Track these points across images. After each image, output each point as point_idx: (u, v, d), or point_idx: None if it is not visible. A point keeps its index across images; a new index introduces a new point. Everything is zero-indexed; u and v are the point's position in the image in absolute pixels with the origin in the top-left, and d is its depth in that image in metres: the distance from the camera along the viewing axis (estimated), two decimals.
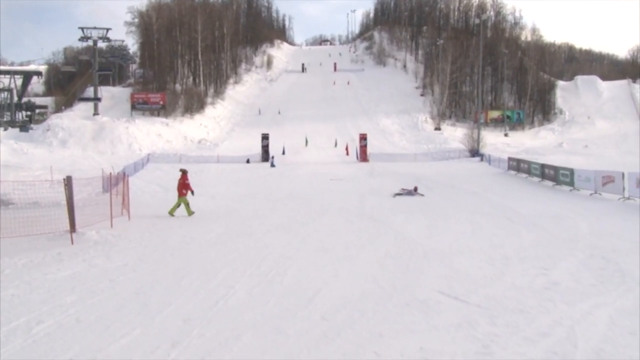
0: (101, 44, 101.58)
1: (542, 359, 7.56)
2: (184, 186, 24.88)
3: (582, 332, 8.46)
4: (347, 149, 72.71)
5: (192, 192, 25.49)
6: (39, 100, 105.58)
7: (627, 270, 12.50)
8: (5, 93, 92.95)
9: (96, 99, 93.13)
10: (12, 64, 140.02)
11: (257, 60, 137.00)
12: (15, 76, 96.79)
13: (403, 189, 32.08)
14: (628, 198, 26.89)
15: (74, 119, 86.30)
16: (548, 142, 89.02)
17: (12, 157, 63.33)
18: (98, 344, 8.38)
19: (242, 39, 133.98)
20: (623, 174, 28.10)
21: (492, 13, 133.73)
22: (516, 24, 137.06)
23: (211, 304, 10.43)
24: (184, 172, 25.36)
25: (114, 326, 9.21)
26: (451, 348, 7.97)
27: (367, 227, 20.02)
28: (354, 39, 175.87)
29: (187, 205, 24.62)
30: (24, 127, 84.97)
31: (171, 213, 24.44)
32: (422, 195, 30.88)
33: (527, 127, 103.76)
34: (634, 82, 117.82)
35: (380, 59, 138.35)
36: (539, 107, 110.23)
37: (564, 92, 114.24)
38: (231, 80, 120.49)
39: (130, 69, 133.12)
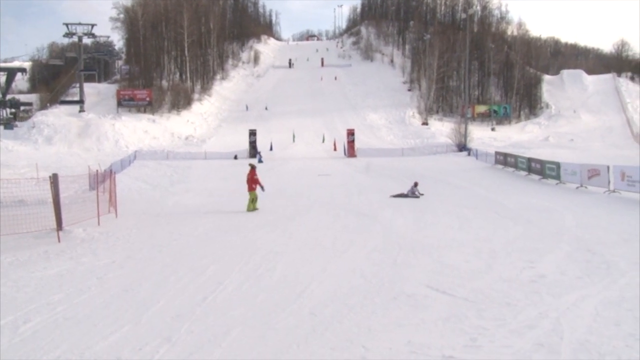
0: (86, 40, 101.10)
1: (528, 350, 7.62)
2: (253, 181, 24.99)
3: (568, 324, 8.53)
4: (334, 144, 72.73)
5: (262, 188, 25.73)
6: (23, 97, 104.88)
7: (612, 262, 12.59)
8: None
9: (80, 102, 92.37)
10: None
11: (244, 55, 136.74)
12: None
13: (406, 192, 28.71)
14: (613, 191, 27.05)
15: (60, 116, 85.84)
16: (534, 136, 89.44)
17: None
18: (86, 342, 8.38)
19: (228, 35, 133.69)
20: (608, 167, 28.28)
21: (478, 8, 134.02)
22: (502, 18, 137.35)
23: (200, 299, 10.43)
24: (252, 167, 25.49)
25: (102, 324, 9.20)
26: (439, 341, 8.02)
27: (355, 222, 20.06)
28: (341, 34, 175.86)
29: (253, 201, 24.57)
30: (8, 124, 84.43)
31: (251, 208, 24.39)
32: (422, 194, 28.40)
33: (513, 121, 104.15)
34: (619, 76, 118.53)
35: (368, 54, 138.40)
36: (525, 101, 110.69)
37: (550, 86, 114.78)
38: (218, 76, 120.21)
39: (116, 65, 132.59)
